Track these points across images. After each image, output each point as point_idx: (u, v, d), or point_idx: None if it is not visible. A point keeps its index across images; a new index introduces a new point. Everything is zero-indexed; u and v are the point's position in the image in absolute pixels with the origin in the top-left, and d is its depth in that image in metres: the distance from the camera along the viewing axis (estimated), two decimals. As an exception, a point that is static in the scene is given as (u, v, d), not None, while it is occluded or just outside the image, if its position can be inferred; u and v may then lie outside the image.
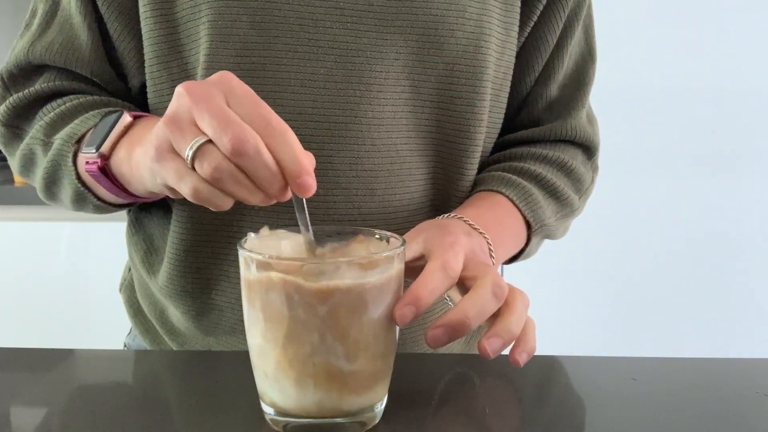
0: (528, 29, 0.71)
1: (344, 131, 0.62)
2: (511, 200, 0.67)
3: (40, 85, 0.66)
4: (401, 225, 0.65)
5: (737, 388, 0.56)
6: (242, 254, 0.46)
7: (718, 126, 1.83)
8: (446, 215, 0.62)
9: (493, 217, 0.64)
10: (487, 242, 0.59)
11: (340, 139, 0.62)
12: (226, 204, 0.46)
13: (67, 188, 0.64)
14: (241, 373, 0.52)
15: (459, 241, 0.53)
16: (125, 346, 0.81)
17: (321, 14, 0.61)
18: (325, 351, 0.45)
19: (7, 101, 0.67)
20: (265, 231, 0.50)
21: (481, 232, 0.59)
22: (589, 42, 0.76)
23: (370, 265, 0.45)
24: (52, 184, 0.65)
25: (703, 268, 1.89)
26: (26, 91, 0.66)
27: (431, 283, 0.48)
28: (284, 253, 0.50)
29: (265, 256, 0.45)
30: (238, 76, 0.60)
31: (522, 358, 0.50)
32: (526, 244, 0.69)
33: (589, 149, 0.77)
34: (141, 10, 0.64)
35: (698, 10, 1.77)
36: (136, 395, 0.55)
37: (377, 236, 0.51)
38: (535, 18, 0.70)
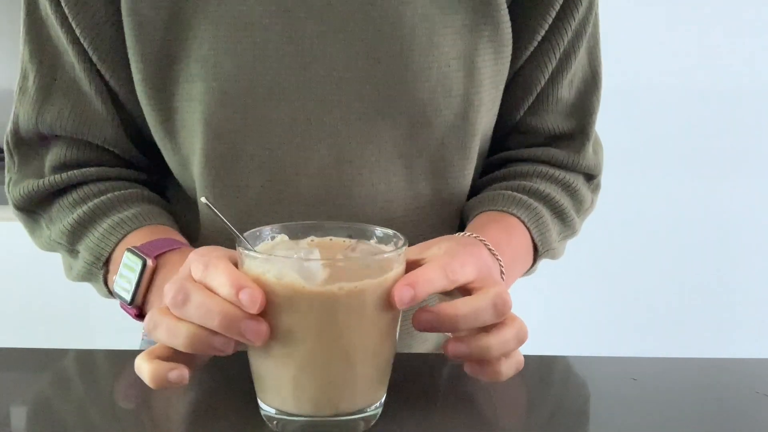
0: (520, 62, 0.69)
1: (339, 211, 0.64)
2: (523, 222, 0.66)
3: (51, 175, 0.66)
4: None
5: (737, 388, 0.56)
6: (240, 253, 0.46)
7: (719, 127, 1.83)
8: (464, 233, 0.60)
9: (507, 242, 0.63)
10: (501, 268, 0.58)
11: (336, 218, 0.64)
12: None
13: (100, 291, 0.67)
14: (240, 372, 0.52)
15: (471, 253, 0.52)
16: (143, 337, 0.82)
17: (311, 108, 0.62)
18: (324, 352, 0.45)
19: (20, 188, 0.67)
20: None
21: (498, 259, 0.58)
22: (593, 66, 0.73)
23: (371, 265, 0.45)
24: (85, 281, 0.68)
25: (704, 268, 1.89)
26: (40, 183, 0.66)
27: (427, 274, 0.47)
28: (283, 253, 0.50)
29: (263, 254, 0.45)
30: (234, 167, 0.63)
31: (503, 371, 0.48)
32: (530, 266, 0.69)
33: (592, 174, 0.76)
34: (138, 92, 0.63)
35: (701, 8, 1.77)
36: (134, 395, 0.55)
37: (379, 234, 0.50)
38: (528, 53, 0.68)
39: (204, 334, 0.44)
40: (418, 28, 0.61)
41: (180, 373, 0.45)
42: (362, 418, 0.47)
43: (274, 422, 0.47)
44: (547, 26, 0.67)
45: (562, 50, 0.68)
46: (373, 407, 0.48)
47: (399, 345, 0.75)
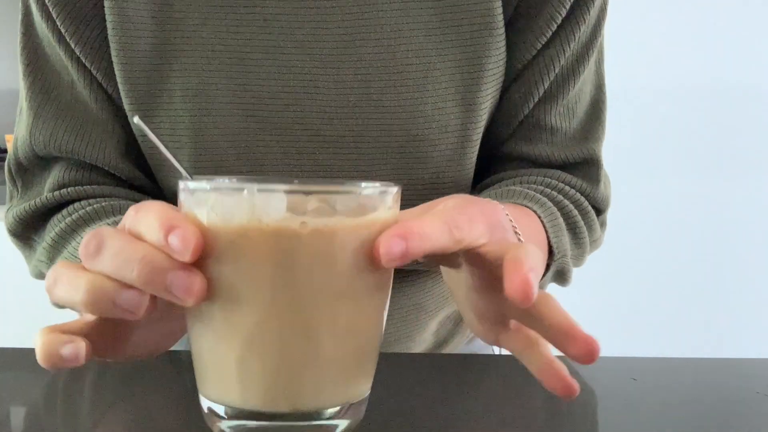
0: (504, 85, 0.65)
1: None
2: (540, 218, 0.59)
3: (46, 194, 0.64)
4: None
5: (737, 388, 0.56)
6: (180, 190, 0.36)
7: (719, 128, 1.83)
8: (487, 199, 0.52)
9: (525, 221, 0.56)
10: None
11: None
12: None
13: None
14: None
15: (483, 211, 0.42)
16: None
17: (304, 142, 0.62)
18: (278, 319, 0.34)
19: (15, 211, 0.65)
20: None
21: (516, 232, 0.48)
22: (594, 93, 0.68)
23: (348, 204, 0.35)
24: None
25: (704, 268, 1.88)
26: (32, 203, 0.64)
27: (425, 226, 0.36)
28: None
29: (206, 184, 0.34)
30: None
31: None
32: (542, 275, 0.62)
33: (599, 209, 0.70)
34: (130, 121, 0.63)
35: (705, 9, 1.77)
36: (128, 395, 0.55)
37: (366, 185, 0.38)
38: (513, 75, 0.65)
39: (109, 286, 0.34)
40: (412, 64, 0.60)
41: (75, 347, 0.34)
42: (329, 422, 0.36)
43: (215, 423, 0.37)
44: (535, 51, 0.63)
45: (552, 77, 0.64)
46: (334, 409, 0.36)
47: (399, 347, 0.74)
